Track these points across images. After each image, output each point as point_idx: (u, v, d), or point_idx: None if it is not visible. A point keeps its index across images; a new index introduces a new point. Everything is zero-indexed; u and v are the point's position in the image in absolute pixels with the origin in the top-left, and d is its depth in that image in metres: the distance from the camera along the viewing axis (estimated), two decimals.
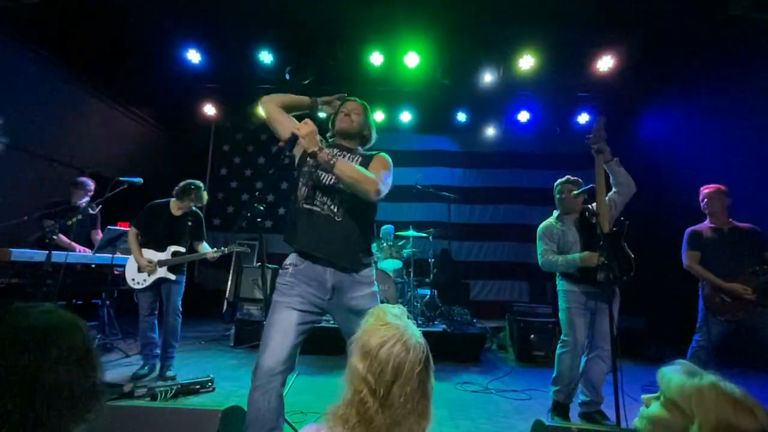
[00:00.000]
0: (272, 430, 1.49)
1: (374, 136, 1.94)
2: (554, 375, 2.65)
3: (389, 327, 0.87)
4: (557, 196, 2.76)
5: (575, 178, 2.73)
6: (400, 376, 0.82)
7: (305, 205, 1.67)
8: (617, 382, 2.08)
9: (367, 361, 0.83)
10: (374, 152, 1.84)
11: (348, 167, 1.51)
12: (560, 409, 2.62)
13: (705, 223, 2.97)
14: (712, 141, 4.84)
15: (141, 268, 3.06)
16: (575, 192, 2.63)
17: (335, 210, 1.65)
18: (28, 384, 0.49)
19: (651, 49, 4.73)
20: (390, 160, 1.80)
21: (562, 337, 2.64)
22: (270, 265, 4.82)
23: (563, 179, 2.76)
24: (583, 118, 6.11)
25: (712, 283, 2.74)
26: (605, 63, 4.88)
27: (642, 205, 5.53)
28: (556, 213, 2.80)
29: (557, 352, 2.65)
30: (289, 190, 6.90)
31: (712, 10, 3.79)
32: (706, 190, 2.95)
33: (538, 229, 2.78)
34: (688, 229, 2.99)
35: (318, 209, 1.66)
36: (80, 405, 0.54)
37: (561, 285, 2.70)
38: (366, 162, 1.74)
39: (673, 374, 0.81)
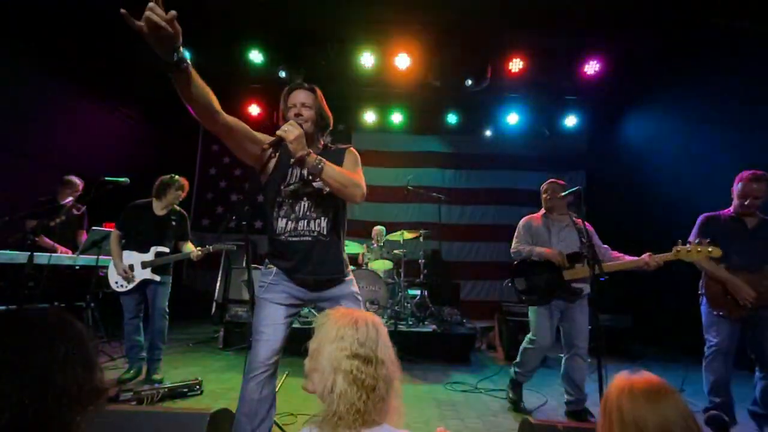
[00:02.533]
0: (263, 421, 1.52)
1: (330, 117, 1.80)
2: (518, 361, 2.84)
3: (348, 314, 0.95)
4: (543, 195, 2.91)
5: (560, 181, 2.89)
6: (381, 338, 0.92)
7: (291, 239, 1.65)
8: (602, 380, 2.13)
9: (354, 345, 0.88)
10: (343, 147, 1.83)
11: (336, 172, 1.52)
12: (517, 385, 2.88)
13: (726, 210, 2.63)
14: (695, 143, 4.98)
15: (117, 272, 3.00)
16: (562, 194, 2.70)
17: (324, 232, 1.67)
18: (41, 381, 0.54)
19: (637, 54, 4.84)
20: (358, 155, 1.81)
21: (530, 336, 2.78)
22: (260, 267, 4.78)
23: (549, 180, 2.92)
24: (571, 121, 6.22)
25: (715, 275, 2.47)
26: (592, 67, 4.98)
27: (628, 206, 5.68)
28: (543, 211, 2.96)
29: (524, 345, 2.81)
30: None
31: (695, 18, 3.90)
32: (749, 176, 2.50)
33: (521, 220, 2.98)
34: (703, 215, 2.68)
35: (308, 238, 1.65)
36: (85, 401, 0.59)
37: None
38: (338, 158, 1.72)
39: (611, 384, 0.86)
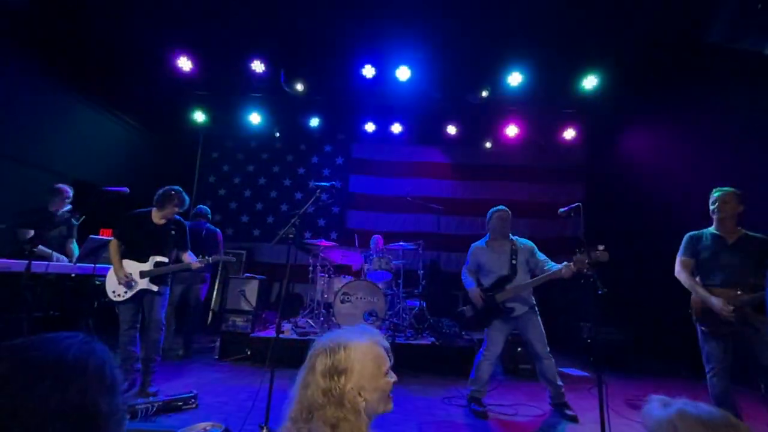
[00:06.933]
0: None
1: None
2: (473, 378, 3.12)
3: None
4: (489, 223, 3.29)
5: (506, 210, 3.29)
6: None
7: None
8: (602, 395, 2.12)
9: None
10: None
11: None
12: (477, 401, 3.08)
13: (708, 228, 2.69)
14: (691, 158, 5.03)
15: (118, 280, 2.98)
16: (561, 210, 2.71)
17: None
18: (80, 414, 0.53)
19: (633, 70, 4.92)
20: None
21: (482, 350, 3.14)
22: (257, 276, 4.75)
23: (497, 209, 3.28)
24: (569, 134, 6.27)
25: (694, 290, 2.58)
26: (590, 82, 5.05)
27: (625, 220, 5.70)
28: (486, 237, 3.30)
29: (477, 359, 3.14)
30: (278, 198, 6.86)
31: (689, 38, 3.97)
32: (718, 193, 2.62)
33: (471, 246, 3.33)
34: (688, 234, 2.77)
35: None
36: (112, 429, 0.57)
37: None
38: None
39: (650, 412, 0.84)
